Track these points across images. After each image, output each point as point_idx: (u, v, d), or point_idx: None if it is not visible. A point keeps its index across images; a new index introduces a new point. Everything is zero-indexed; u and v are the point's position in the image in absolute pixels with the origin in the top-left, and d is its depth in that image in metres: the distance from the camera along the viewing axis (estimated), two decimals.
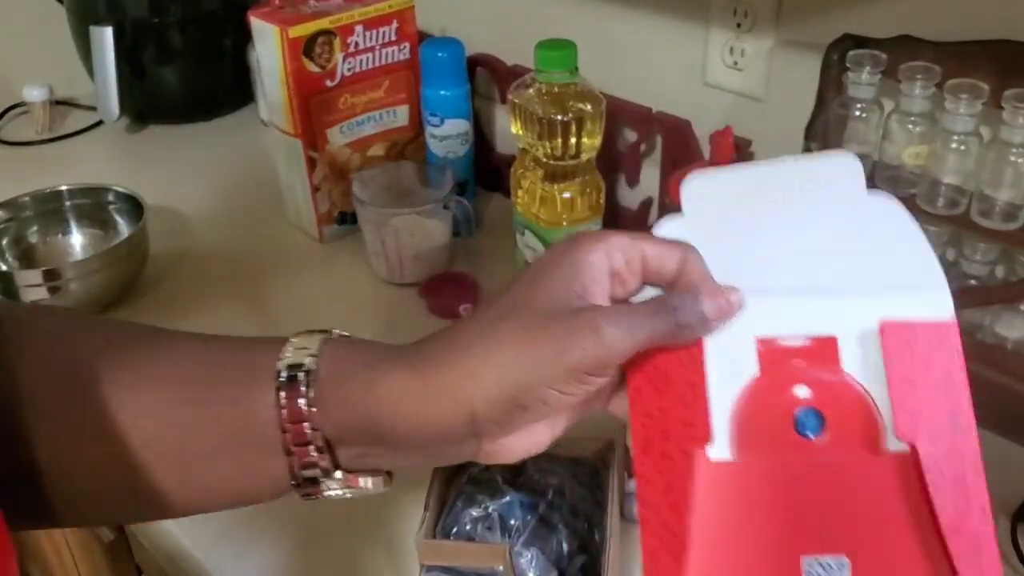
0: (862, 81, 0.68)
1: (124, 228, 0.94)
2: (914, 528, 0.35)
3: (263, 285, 0.92)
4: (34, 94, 1.24)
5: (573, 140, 0.76)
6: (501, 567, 0.53)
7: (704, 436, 0.36)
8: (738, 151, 0.76)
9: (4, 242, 0.92)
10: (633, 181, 0.93)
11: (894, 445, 0.36)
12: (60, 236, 0.95)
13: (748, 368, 0.37)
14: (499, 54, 1.02)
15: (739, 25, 0.80)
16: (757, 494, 0.36)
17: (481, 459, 0.39)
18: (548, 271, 0.38)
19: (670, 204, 0.76)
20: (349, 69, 0.91)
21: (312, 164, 0.94)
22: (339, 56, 0.90)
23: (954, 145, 0.65)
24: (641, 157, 0.91)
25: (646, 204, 0.93)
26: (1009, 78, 0.62)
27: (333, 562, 0.62)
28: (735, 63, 0.82)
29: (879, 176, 0.70)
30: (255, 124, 1.25)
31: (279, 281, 0.93)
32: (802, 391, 0.37)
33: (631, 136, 0.91)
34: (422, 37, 0.96)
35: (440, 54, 0.93)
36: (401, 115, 0.98)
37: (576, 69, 0.76)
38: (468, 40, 0.96)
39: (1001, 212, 0.64)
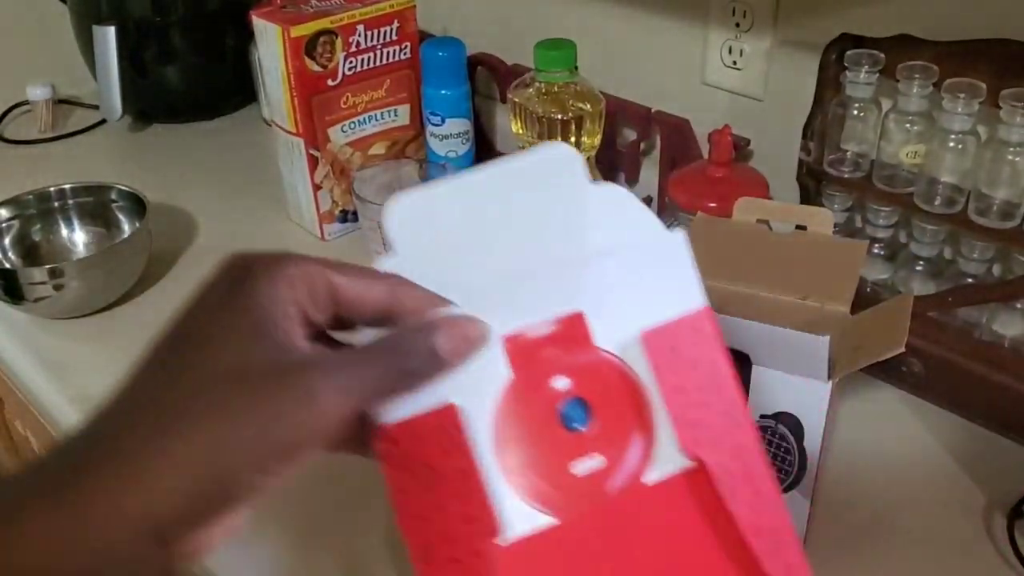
0: (860, 80, 0.68)
1: (126, 226, 0.94)
2: (723, 541, 0.34)
3: None
4: (37, 93, 1.24)
5: (573, 139, 0.76)
6: None
7: (491, 529, 0.32)
8: (737, 150, 0.77)
9: (7, 240, 0.92)
10: (632, 180, 0.93)
11: (681, 462, 0.34)
12: (63, 234, 0.96)
13: (500, 374, 0.34)
14: (499, 53, 1.02)
15: (738, 25, 0.80)
16: (563, 560, 0.33)
17: (171, 572, 0.30)
18: (231, 318, 0.30)
19: (670, 203, 0.76)
20: (350, 68, 0.92)
21: (314, 163, 0.94)
22: (340, 55, 0.90)
23: (951, 144, 0.65)
24: (640, 156, 0.92)
25: (646, 203, 0.93)
26: (1007, 77, 0.62)
27: (334, 557, 0.62)
28: (734, 62, 0.82)
29: (876, 175, 0.70)
30: (257, 123, 1.25)
31: None
32: (561, 382, 0.34)
33: (630, 135, 0.91)
34: (423, 37, 0.97)
35: (441, 53, 0.93)
36: (402, 114, 0.98)
37: (576, 68, 0.77)
38: (469, 40, 0.96)
39: (998, 211, 0.64)
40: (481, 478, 0.33)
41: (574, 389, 0.34)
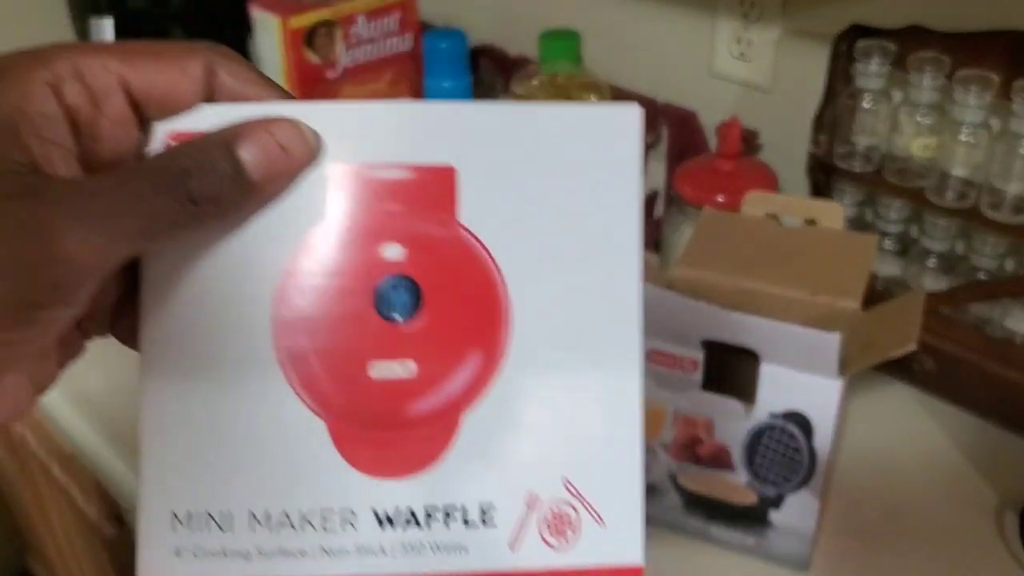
0: (871, 72, 0.67)
1: None
2: None
3: None
4: None
5: None
6: None
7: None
8: (745, 143, 0.76)
9: None
10: None
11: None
12: None
13: (311, 210, 0.25)
14: (502, 44, 1.01)
15: (746, 15, 0.79)
16: None
17: None
18: None
19: (677, 196, 0.75)
20: (351, 60, 0.91)
21: None
22: (341, 47, 0.89)
23: (963, 137, 0.64)
24: (647, 149, 0.91)
25: (652, 196, 0.92)
26: (1019, 69, 0.61)
27: None
28: (742, 53, 0.81)
29: (888, 168, 0.69)
30: None
31: None
32: (392, 251, 0.25)
33: None
34: (424, 28, 0.96)
35: (442, 45, 0.92)
36: None
37: (580, 59, 0.76)
38: (471, 30, 0.95)
39: (1011, 205, 0.63)
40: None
41: (407, 265, 0.25)
